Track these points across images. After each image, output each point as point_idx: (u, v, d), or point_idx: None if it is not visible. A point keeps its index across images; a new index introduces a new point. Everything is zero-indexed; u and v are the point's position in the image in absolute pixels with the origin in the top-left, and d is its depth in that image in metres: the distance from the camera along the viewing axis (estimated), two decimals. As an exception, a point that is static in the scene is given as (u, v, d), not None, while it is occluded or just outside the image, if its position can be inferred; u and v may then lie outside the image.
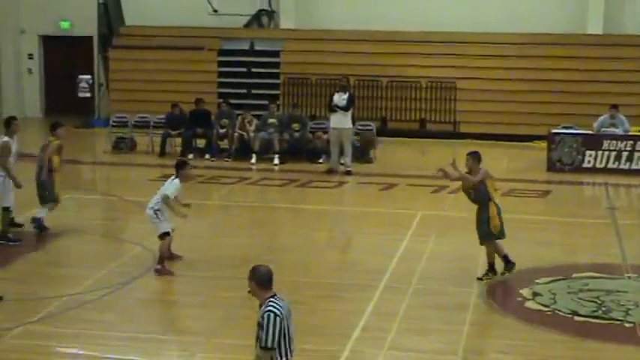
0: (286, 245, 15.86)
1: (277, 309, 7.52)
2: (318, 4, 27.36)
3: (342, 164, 21.21)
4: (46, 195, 15.21)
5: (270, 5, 27.58)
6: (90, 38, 28.27)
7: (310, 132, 22.82)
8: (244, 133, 22.50)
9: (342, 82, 21.83)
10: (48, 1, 28.45)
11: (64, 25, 28.51)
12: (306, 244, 15.74)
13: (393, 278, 13.53)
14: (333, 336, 11.49)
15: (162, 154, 22.79)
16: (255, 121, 22.63)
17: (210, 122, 23.01)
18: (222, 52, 27.13)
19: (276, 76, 26.78)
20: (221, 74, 27.08)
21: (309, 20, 27.29)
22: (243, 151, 22.49)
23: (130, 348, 11.03)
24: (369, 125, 23.56)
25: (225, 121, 22.92)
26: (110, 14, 27.88)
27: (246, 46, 27.15)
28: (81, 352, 10.96)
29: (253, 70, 26.98)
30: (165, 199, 13.34)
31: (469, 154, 13.29)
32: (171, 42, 27.23)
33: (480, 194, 13.11)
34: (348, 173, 20.98)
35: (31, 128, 27.15)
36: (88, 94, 27.67)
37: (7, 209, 14.89)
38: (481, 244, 13.40)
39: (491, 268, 13.31)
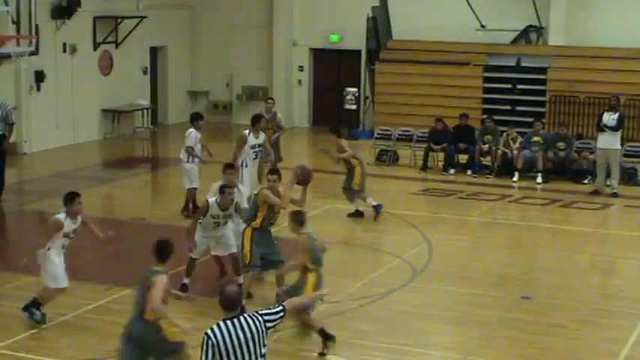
0: (546, 266, 15.55)
1: (214, 333, 7.20)
2: (590, 21, 26.63)
3: (608, 186, 20.56)
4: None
5: (539, 21, 27.12)
6: (358, 52, 28.82)
7: (576, 151, 22.26)
8: (508, 151, 22.24)
9: (612, 101, 21.18)
10: (319, 15, 29.24)
11: (334, 38, 29.21)
12: (566, 266, 15.37)
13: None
14: (593, 363, 11.17)
15: (424, 168, 22.91)
16: (519, 139, 22.33)
17: (474, 138, 22.90)
18: (488, 68, 26.94)
19: (542, 93, 26.29)
20: (486, 90, 26.86)
21: (579, 37, 26.61)
22: (505, 168, 22.24)
23: (385, 359, 11.16)
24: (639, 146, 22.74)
25: (488, 137, 22.75)
26: (379, 28, 28.31)
27: (512, 63, 26.82)
28: (338, 359, 11.19)
29: (519, 86, 26.62)
30: None
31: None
32: (437, 57, 27.30)
33: None
34: (615, 195, 20.31)
35: (299, 137, 28.07)
36: (354, 107, 28.24)
37: (194, 189, 17.53)
38: None
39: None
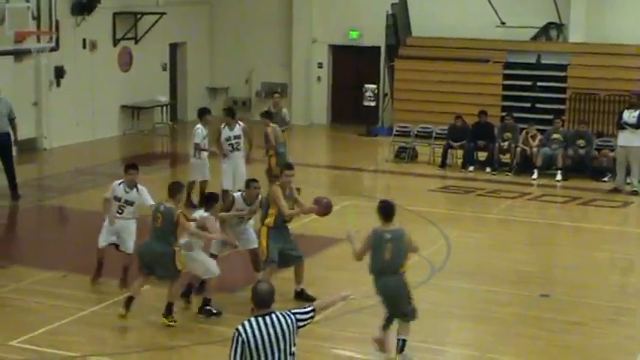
0: (565, 264, 15.49)
1: (244, 329, 7.14)
2: (610, 18, 26.48)
3: (628, 184, 20.46)
4: None
5: (559, 18, 27.01)
6: (377, 48, 28.76)
7: (596, 149, 22.16)
8: (527, 148, 22.16)
9: (632, 98, 21.08)
10: (339, 12, 29.21)
11: (354, 34, 29.16)
12: (586, 264, 15.31)
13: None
14: (612, 361, 11.13)
15: (443, 165, 22.86)
16: (538, 136, 22.25)
17: (493, 135, 22.82)
18: (508, 65, 26.85)
19: (563, 90, 26.18)
20: (506, 87, 26.78)
21: (600, 34, 26.47)
22: (525, 165, 22.16)
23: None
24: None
25: (508, 134, 22.67)
26: (398, 25, 28.25)
27: (532, 60, 26.73)
28: (356, 355, 11.19)
29: (539, 84, 26.51)
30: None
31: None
32: (456, 54, 27.23)
33: None
34: (635, 193, 20.20)
35: (317, 134, 28.10)
36: (373, 103, 28.18)
37: (205, 181, 17.82)
38: None
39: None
